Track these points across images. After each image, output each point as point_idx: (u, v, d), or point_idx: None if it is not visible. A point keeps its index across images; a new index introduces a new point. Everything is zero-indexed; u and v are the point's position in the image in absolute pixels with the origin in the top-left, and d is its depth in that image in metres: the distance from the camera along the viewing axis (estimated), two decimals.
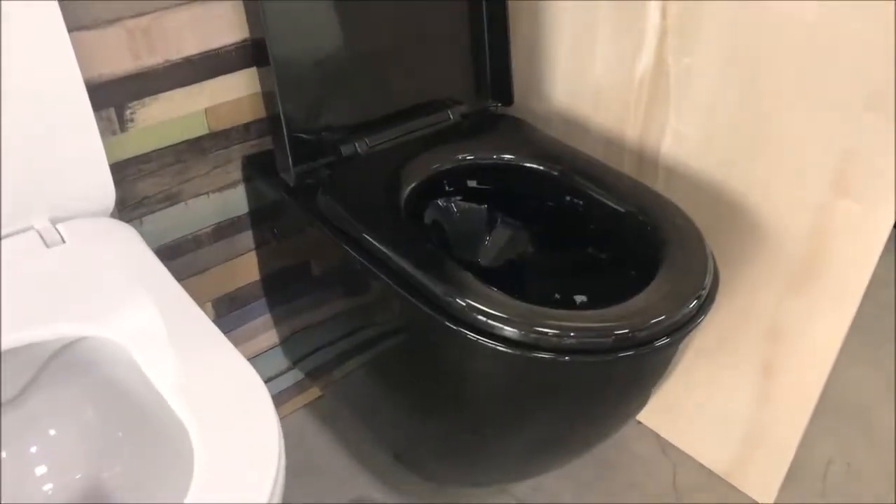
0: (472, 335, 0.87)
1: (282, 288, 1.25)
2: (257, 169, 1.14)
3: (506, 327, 0.86)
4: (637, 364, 0.90)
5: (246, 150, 1.14)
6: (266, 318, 1.31)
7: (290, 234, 1.14)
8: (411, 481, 1.33)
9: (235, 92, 1.09)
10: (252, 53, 1.06)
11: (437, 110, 1.19)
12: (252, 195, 1.17)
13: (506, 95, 1.24)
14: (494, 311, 0.87)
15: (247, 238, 1.21)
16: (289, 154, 1.03)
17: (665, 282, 0.91)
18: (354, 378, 1.22)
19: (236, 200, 1.17)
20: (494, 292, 0.89)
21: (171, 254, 1.13)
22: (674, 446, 1.42)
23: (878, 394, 1.55)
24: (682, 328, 0.89)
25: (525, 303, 0.88)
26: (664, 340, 0.87)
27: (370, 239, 0.97)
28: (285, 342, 1.34)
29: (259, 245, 1.23)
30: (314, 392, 1.47)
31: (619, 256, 1.06)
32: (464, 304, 0.87)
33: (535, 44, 1.30)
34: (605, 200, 1.06)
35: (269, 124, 1.07)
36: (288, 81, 1.02)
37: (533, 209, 1.13)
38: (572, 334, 0.86)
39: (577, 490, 1.34)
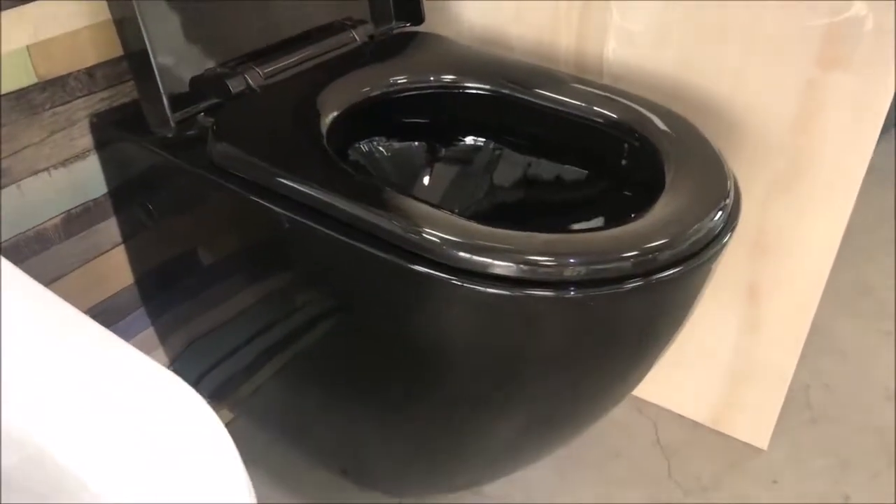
0: (453, 279, 0.65)
1: (166, 288, 0.96)
2: (115, 128, 0.85)
3: (495, 261, 0.64)
4: (666, 291, 0.70)
5: (93, 105, 0.85)
6: (148, 334, 1.01)
7: (173, 208, 0.85)
8: (364, 500, 1.08)
9: (70, 21, 0.79)
10: None
11: (337, 32, 0.94)
12: (111, 166, 0.88)
13: (415, 14, 1.02)
14: (477, 242, 0.64)
15: (110, 228, 0.91)
16: (164, 97, 0.75)
17: (678, 195, 0.72)
18: (279, 383, 0.95)
19: (89, 177, 0.87)
20: (470, 223, 0.67)
21: (6, 259, 0.82)
22: (649, 403, 1.25)
23: (830, 308, 1.45)
24: (713, 242, 0.70)
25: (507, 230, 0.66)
26: (693, 261, 0.69)
27: (296, 183, 0.71)
28: (179, 360, 1.04)
29: (129, 235, 0.93)
30: (223, 416, 1.17)
31: (607, 179, 0.86)
32: (437, 238, 0.65)
33: None
34: (581, 115, 0.84)
35: (130, 63, 0.78)
36: (151, 3, 0.74)
37: (488, 139, 0.91)
38: (579, 261, 0.65)
39: (560, 468, 1.14)
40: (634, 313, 0.70)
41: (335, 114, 0.82)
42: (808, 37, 0.89)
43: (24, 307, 0.53)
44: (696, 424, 1.22)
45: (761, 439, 1.18)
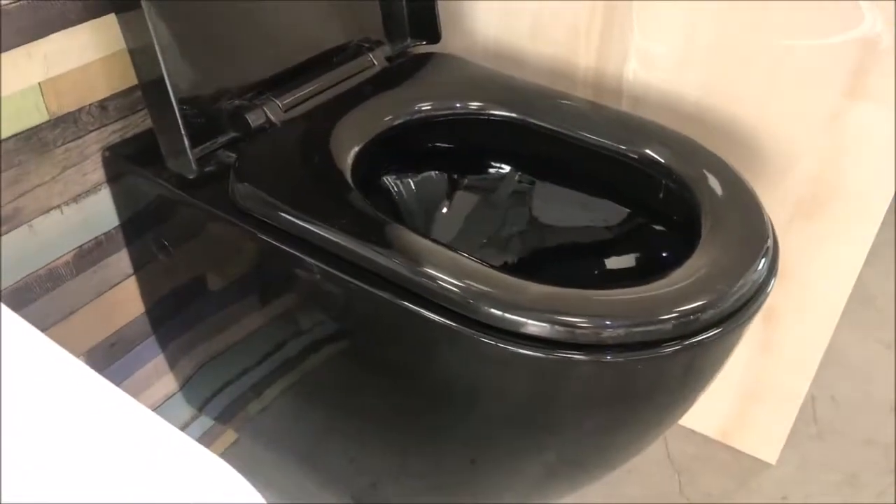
0: (486, 337, 0.63)
1: (176, 316, 0.93)
2: (127, 162, 0.81)
3: (527, 320, 0.63)
4: (708, 350, 0.69)
5: (106, 138, 0.81)
6: (159, 361, 0.99)
7: (190, 246, 0.82)
8: None
9: (80, 56, 0.76)
10: None
11: (354, 56, 0.91)
12: (123, 200, 0.84)
13: (432, 31, 0.99)
14: (512, 299, 0.63)
15: (121, 260, 0.89)
16: (183, 132, 0.72)
17: (713, 244, 0.70)
18: (291, 414, 0.94)
19: (101, 211, 0.84)
20: (504, 276, 0.65)
21: (18, 300, 0.79)
22: None
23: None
24: (753, 300, 0.69)
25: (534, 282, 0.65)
26: (736, 318, 0.67)
27: (325, 232, 0.69)
28: (188, 385, 1.02)
29: (140, 266, 0.90)
30: (229, 437, 1.16)
31: (639, 215, 0.84)
32: (472, 294, 0.63)
33: None
34: (615, 150, 0.82)
35: (147, 94, 0.74)
36: (166, 31, 0.70)
37: (515, 168, 0.89)
38: (618, 324, 0.63)
39: None
40: (673, 373, 0.68)
41: (358, 147, 0.80)
42: (836, 68, 0.87)
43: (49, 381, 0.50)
44: (706, 439, 1.22)
45: (771, 454, 1.19)
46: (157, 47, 0.68)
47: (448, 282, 0.64)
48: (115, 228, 0.86)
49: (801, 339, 1.07)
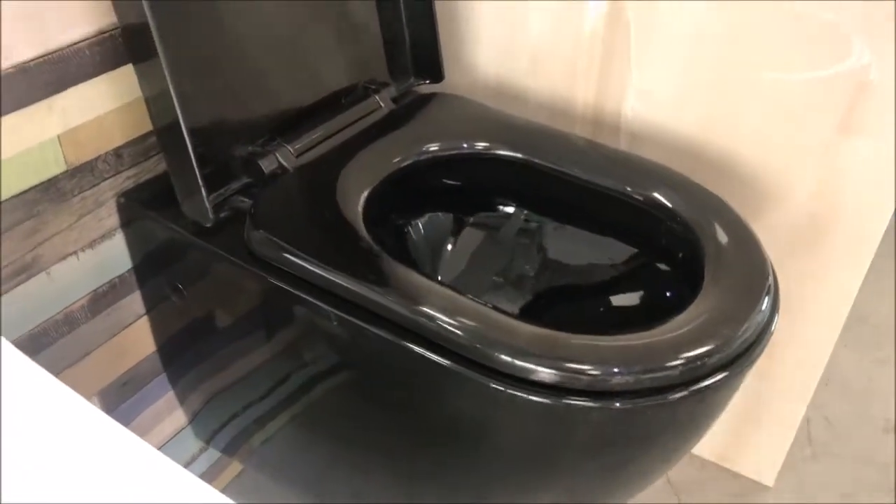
0: (493, 383, 0.65)
1: (186, 354, 0.95)
2: (142, 207, 0.83)
3: (536, 367, 0.65)
4: (712, 396, 0.71)
5: (120, 185, 0.83)
6: (169, 397, 1.00)
7: (202, 288, 0.84)
8: None
9: (97, 106, 0.77)
10: (124, 44, 0.75)
11: (361, 99, 0.93)
12: (136, 243, 0.86)
13: (435, 70, 1.01)
14: (520, 346, 0.65)
15: (134, 302, 0.90)
16: (200, 182, 0.73)
17: (716, 287, 0.73)
18: (298, 451, 0.95)
19: (115, 255, 0.86)
20: (512, 321, 0.68)
21: (36, 345, 0.81)
22: None
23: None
24: (757, 342, 0.71)
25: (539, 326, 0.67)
26: (742, 361, 0.70)
27: (337, 278, 0.71)
28: (196, 419, 1.04)
29: (152, 307, 0.91)
30: (234, 469, 1.17)
31: (642, 253, 0.87)
32: (482, 342, 0.65)
33: (452, 6, 1.08)
34: (620, 191, 0.84)
35: (163, 142, 0.76)
36: (180, 80, 0.72)
37: (520, 207, 0.91)
38: (627, 370, 0.65)
39: None
40: (680, 417, 0.70)
41: (368, 191, 0.82)
42: (829, 101, 0.90)
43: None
44: (705, 462, 1.25)
45: (768, 476, 1.21)
46: (174, 96, 0.70)
47: (458, 327, 0.66)
48: (128, 271, 0.88)
49: (799, 363, 1.09)
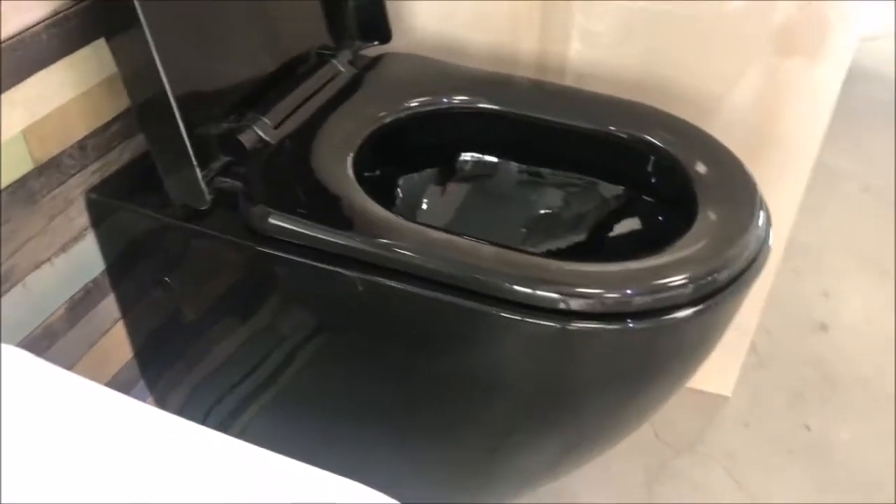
0: (529, 317, 0.66)
1: (169, 351, 0.90)
2: (115, 201, 0.77)
3: (562, 296, 0.67)
4: (717, 313, 0.74)
5: (87, 180, 0.77)
6: (150, 402, 0.94)
7: (195, 277, 0.79)
8: None
9: (58, 95, 0.71)
10: (96, 17, 0.69)
11: (319, 66, 0.90)
12: (109, 241, 0.80)
13: (382, 31, 0.99)
14: (546, 277, 0.67)
15: (109, 306, 0.84)
16: (192, 154, 0.69)
17: (711, 210, 0.75)
18: (289, 415, 0.92)
19: (87, 257, 0.79)
20: (534, 258, 0.69)
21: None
22: None
23: None
24: (760, 255, 0.75)
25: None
26: (756, 267, 0.73)
27: (359, 243, 0.69)
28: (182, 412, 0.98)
29: (127, 310, 0.85)
30: None
31: (630, 189, 0.88)
32: (509, 278, 0.67)
33: None
34: (597, 129, 0.85)
35: (145, 119, 0.70)
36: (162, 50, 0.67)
37: (507, 158, 0.91)
38: (639, 292, 0.68)
39: None
40: (693, 334, 0.73)
41: (353, 153, 0.79)
42: (767, 27, 0.95)
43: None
44: None
45: (727, 388, 1.29)
46: (159, 66, 0.65)
47: (483, 268, 0.67)
48: (101, 273, 0.81)
49: None
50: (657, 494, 1.15)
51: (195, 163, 0.69)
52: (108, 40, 0.67)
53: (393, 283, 0.68)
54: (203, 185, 0.70)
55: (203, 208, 0.72)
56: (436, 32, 1.09)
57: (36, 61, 0.67)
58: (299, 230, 0.70)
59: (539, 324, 0.67)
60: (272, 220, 0.71)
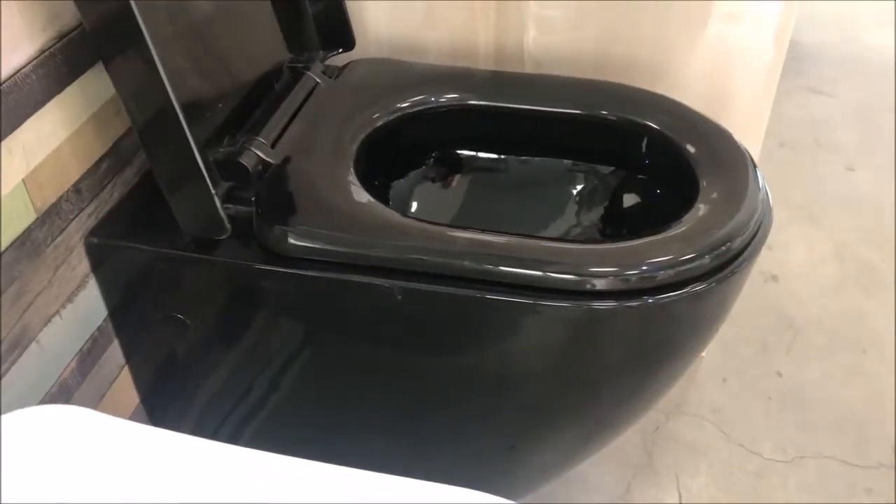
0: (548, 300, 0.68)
1: (171, 394, 0.86)
2: (117, 242, 0.73)
3: (590, 279, 0.68)
4: (735, 280, 0.76)
5: (84, 223, 0.73)
6: None
7: (211, 311, 0.76)
8: None
9: (52, 138, 0.67)
10: (92, 44, 0.66)
11: (295, 79, 0.88)
12: (112, 286, 0.76)
13: (346, 38, 0.97)
14: (572, 262, 0.68)
15: (114, 353, 0.80)
16: (208, 181, 0.66)
17: (713, 184, 0.77)
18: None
19: (91, 305, 0.75)
20: (560, 245, 0.70)
21: None
22: None
23: None
24: (762, 224, 0.78)
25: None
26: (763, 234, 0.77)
27: (402, 252, 0.68)
28: None
29: (132, 354, 0.81)
30: None
31: (625, 170, 0.90)
32: (545, 267, 0.68)
33: None
34: (590, 114, 0.87)
35: (151, 142, 0.66)
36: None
37: (505, 152, 0.91)
38: (659, 266, 0.70)
39: None
40: (712, 304, 0.76)
41: (353, 161, 0.78)
42: None
43: None
44: None
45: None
46: (166, 83, 0.62)
47: (525, 260, 0.68)
48: (104, 320, 0.77)
49: None
50: (659, 459, 1.19)
51: (211, 186, 0.66)
52: (107, 64, 0.63)
53: (433, 288, 0.67)
54: (222, 211, 0.67)
55: (222, 237, 0.69)
56: (387, 36, 1.09)
57: (29, 104, 0.63)
58: (328, 247, 0.69)
59: (570, 306, 0.68)
60: (293, 241, 0.69)
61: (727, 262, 0.73)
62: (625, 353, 0.79)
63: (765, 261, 1.51)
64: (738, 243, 0.73)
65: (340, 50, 0.98)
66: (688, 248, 0.71)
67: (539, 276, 0.68)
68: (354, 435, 0.87)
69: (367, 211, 0.71)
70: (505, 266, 0.68)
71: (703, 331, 0.81)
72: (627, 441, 1.21)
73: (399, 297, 0.69)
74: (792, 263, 1.50)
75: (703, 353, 1.33)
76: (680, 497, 1.13)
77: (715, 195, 0.76)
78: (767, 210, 0.78)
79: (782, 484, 1.15)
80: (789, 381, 1.29)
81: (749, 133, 1.09)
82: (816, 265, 1.50)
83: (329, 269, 0.69)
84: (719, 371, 1.32)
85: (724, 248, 0.72)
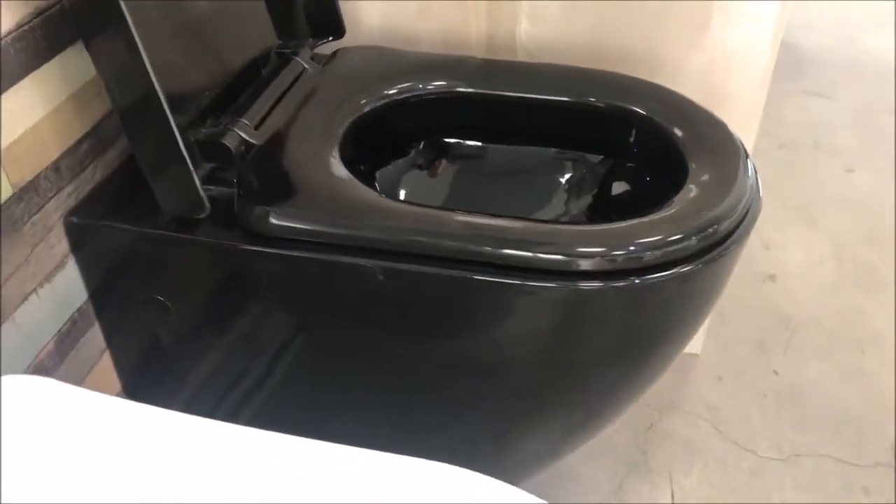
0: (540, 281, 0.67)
1: (154, 378, 0.85)
2: (98, 222, 0.73)
3: (576, 258, 0.68)
4: (722, 263, 0.76)
5: (64, 202, 0.72)
6: None
7: (194, 292, 0.75)
8: None
9: (30, 114, 0.66)
10: (71, 22, 0.65)
11: (283, 64, 0.87)
12: (92, 267, 0.75)
13: (335, 27, 0.97)
14: (557, 242, 0.67)
15: (95, 336, 0.79)
16: (187, 160, 0.65)
17: (701, 168, 0.77)
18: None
19: (70, 286, 0.74)
20: (549, 226, 0.69)
21: None
22: None
23: None
24: (750, 209, 0.77)
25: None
26: (752, 216, 0.76)
27: (383, 233, 0.67)
28: None
29: (113, 337, 0.81)
30: None
31: (612, 157, 0.90)
32: (530, 247, 0.67)
33: None
34: (578, 101, 0.86)
35: (132, 125, 0.66)
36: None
37: (493, 140, 0.90)
38: (646, 246, 0.69)
39: None
40: (699, 286, 0.75)
41: (338, 145, 0.78)
42: None
43: None
44: None
45: (696, 346, 1.33)
46: (147, 64, 0.61)
47: (508, 240, 0.67)
48: (84, 302, 0.76)
49: None
50: (652, 456, 1.17)
51: (191, 166, 0.65)
52: (87, 43, 0.63)
53: (415, 268, 0.67)
54: (201, 190, 0.66)
55: (201, 216, 0.68)
56: (380, 26, 1.08)
57: (5, 78, 0.63)
58: (309, 227, 0.68)
59: (557, 287, 0.67)
60: (274, 220, 0.69)
61: (715, 245, 0.72)
62: (613, 336, 0.78)
63: (762, 261, 1.50)
64: (725, 226, 0.72)
65: (330, 38, 0.97)
66: (675, 229, 0.70)
67: (526, 257, 0.67)
68: (341, 420, 0.86)
69: (348, 190, 0.70)
70: (492, 247, 0.67)
71: (691, 315, 0.80)
72: (620, 438, 1.19)
73: (381, 278, 0.68)
74: (790, 264, 1.49)
75: (699, 352, 1.32)
76: (673, 495, 1.12)
77: (705, 178, 0.75)
78: (756, 196, 0.77)
79: (778, 482, 1.13)
80: (786, 380, 1.28)
81: (743, 132, 1.08)
82: (814, 265, 1.49)
83: (310, 249, 0.68)
84: (715, 369, 1.30)
85: (711, 230, 0.71)
